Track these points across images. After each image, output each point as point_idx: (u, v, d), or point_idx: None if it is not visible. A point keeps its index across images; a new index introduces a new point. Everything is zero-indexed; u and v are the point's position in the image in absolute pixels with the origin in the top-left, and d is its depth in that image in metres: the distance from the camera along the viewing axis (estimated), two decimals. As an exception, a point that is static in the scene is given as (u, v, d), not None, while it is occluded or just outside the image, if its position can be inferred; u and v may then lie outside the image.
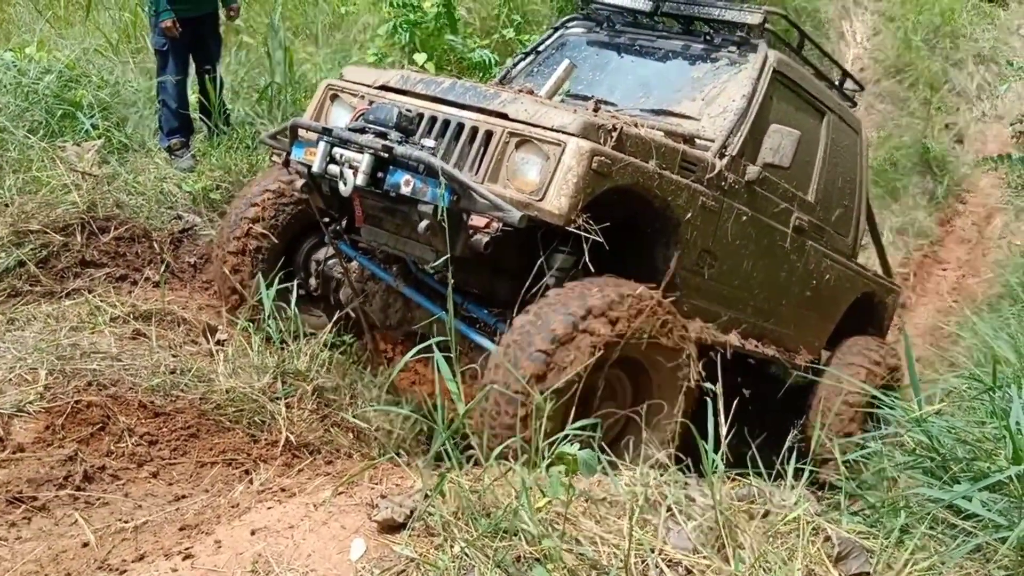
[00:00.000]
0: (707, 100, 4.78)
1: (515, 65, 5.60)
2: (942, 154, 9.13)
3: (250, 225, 4.74)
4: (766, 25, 4.90)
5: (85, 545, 2.81)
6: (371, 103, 4.14)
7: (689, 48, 5.10)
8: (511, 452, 2.95)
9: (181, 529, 2.87)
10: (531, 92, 4.42)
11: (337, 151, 3.89)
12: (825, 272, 5.43)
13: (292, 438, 3.74)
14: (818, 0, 11.31)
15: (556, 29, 5.61)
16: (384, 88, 4.29)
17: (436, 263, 3.88)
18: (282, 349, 4.31)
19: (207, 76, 6.22)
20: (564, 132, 3.65)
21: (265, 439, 3.74)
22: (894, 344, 6.21)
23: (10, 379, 3.70)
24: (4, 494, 3.00)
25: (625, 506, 2.85)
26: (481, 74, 7.12)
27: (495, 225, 3.57)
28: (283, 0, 8.89)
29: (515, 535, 2.63)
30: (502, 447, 2.96)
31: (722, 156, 4.41)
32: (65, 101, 6.08)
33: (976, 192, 8.47)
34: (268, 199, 4.80)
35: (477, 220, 3.60)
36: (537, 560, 2.57)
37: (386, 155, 3.73)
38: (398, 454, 3.86)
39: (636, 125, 4.03)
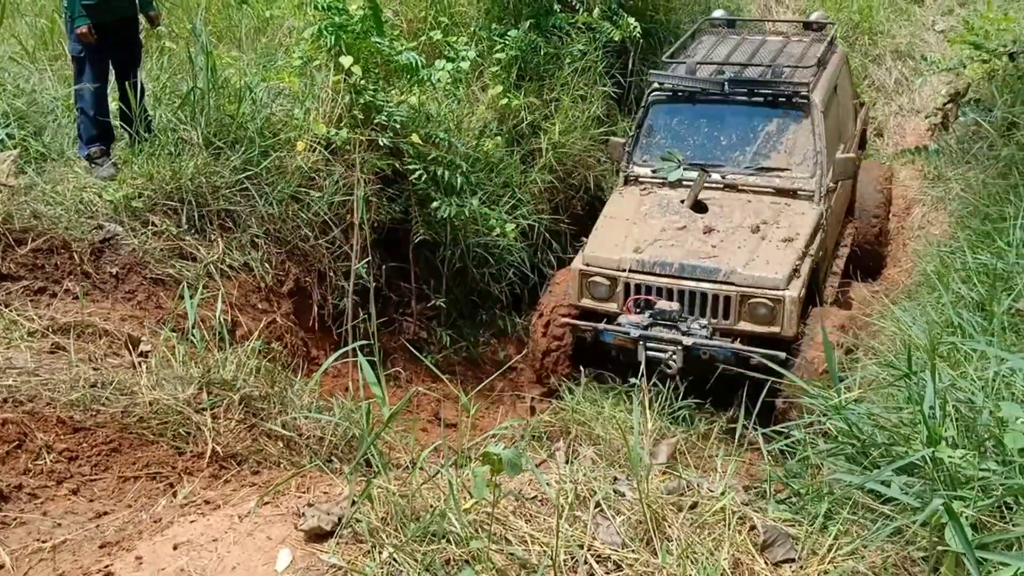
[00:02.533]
0: (788, 151, 6.61)
1: (628, 147, 7.10)
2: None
3: (559, 330, 6.60)
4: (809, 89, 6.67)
5: (0, 567, 2.73)
6: (627, 288, 6.12)
7: (758, 110, 6.75)
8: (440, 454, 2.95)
9: (101, 547, 2.80)
10: (711, 230, 6.24)
11: (651, 345, 5.93)
12: (852, 166, 7.25)
13: (218, 449, 3.67)
14: (740, 0, 11.51)
15: (647, 107, 7.14)
16: (632, 271, 6.13)
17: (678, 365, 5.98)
18: (207, 358, 4.22)
19: (127, 82, 6.08)
20: (778, 289, 5.79)
21: (190, 451, 3.66)
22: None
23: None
24: (-87, 518, 2.89)
25: (554, 504, 2.86)
26: (408, 76, 7.07)
27: (763, 360, 5.08)
28: (206, 5, 8.74)
29: (444, 538, 2.63)
30: (429, 450, 2.95)
31: (821, 201, 6.44)
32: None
33: (896, 184, 8.70)
34: (572, 315, 6.50)
35: (755, 361, 5.55)
36: (466, 562, 2.57)
37: (691, 348, 5.83)
38: (329, 461, 3.83)
39: (791, 239, 6.14)
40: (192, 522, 2.82)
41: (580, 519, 2.81)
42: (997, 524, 2.50)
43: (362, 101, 6.63)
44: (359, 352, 2.93)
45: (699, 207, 6.48)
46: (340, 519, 2.72)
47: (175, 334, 4.49)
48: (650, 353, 5.88)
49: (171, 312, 5.07)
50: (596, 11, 8.64)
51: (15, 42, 7.64)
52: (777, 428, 3.68)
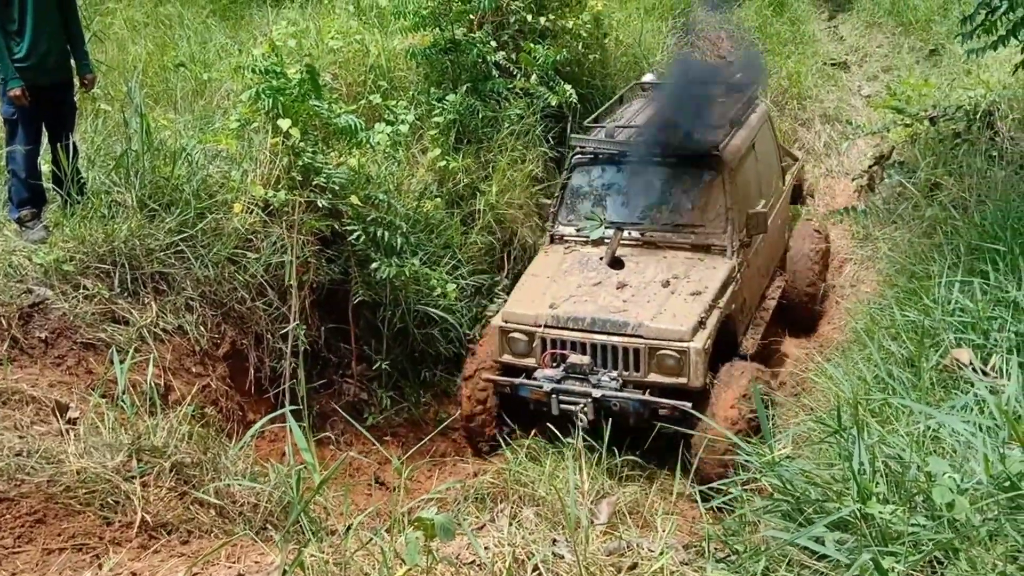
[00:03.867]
0: (702, 208, 6.88)
1: (555, 208, 7.34)
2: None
3: (484, 393, 6.66)
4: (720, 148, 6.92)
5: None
6: (543, 343, 6.28)
7: (673, 170, 6.95)
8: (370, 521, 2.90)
9: (20, 624, 2.68)
10: (624, 285, 6.46)
11: (564, 398, 6.08)
12: (778, 217, 7.79)
13: (148, 518, 3.55)
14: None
15: (570, 168, 7.37)
16: (547, 327, 6.28)
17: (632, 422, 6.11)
18: (138, 424, 4.12)
19: (60, 145, 6.01)
20: (683, 341, 5.96)
21: (119, 521, 3.54)
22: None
23: None
24: None
25: (491, 569, 2.83)
26: (348, 138, 7.11)
27: (676, 412, 5.72)
28: (143, 67, 8.72)
29: (378, 606, 2.57)
30: (363, 515, 2.90)
31: (734, 255, 6.68)
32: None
33: (828, 244, 8.93)
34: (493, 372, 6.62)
35: (664, 411, 5.86)
36: (401, 631, 2.52)
37: (600, 400, 5.98)
38: (264, 529, 3.74)
39: (699, 292, 6.35)
40: (117, 596, 2.72)
41: (518, 583, 2.78)
42: (927, 578, 2.53)
43: (301, 163, 6.63)
44: (289, 416, 2.88)
45: (616, 263, 6.72)
46: (272, 589, 2.65)
47: (105, 400, 4.37)
48: (563, 406, 6.05)
49: (101, 377, 4.94)
50: (533, 77, 8.80)
51: (-55, 103, 7.49)
52: (714, 485, 3.70)
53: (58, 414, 4.42)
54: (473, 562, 2.94)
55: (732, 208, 6.74)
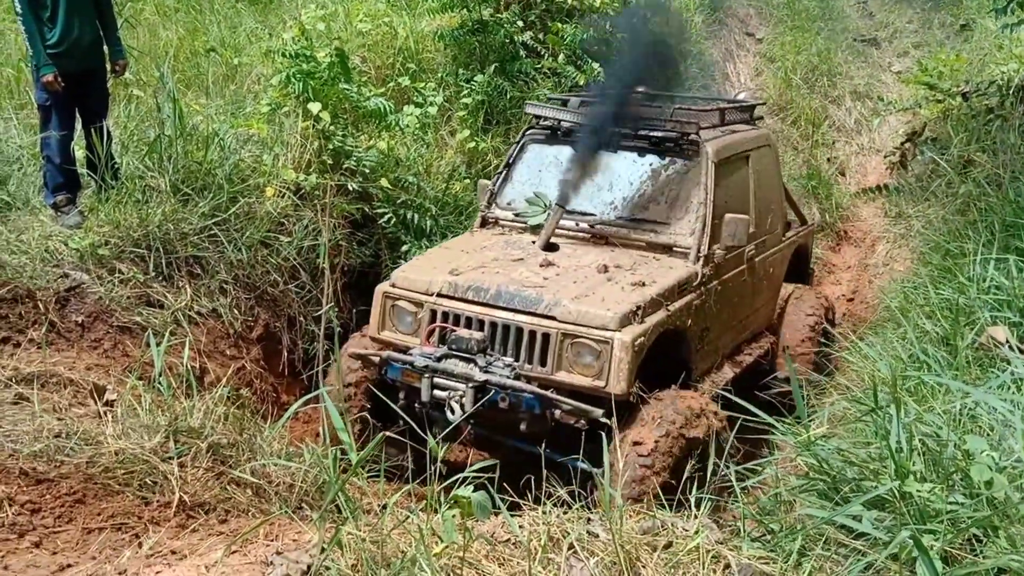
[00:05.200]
0: (670, 203, 5.60)
1: (496, 184, 6.12)
2: (827, 187, 9.50)
3: (352, 388, 5.28)
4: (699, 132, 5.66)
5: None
6: (433, 315, 4.99)
7: (641, 153, 5.78)
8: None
9: (65, 601, 2.74)
10: (550, 264, 5.20)
11: (438, 380, 4.72)
12: (770, 268, 6.43)
13: (185, 498, 3.60)
14: (703, 43, 11.73)
15: (520, 141, 6.21)
16: (439, 295, 5.02)
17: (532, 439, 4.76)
18: (174, 406, 4.17)
19: (94, 130, 6.07)
20: (607, 329, 4.60)
21: (157, 501, 3.59)
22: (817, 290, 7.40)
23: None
24: None
25: (527, 546, 2.84)
26: (377, 121, 7.12)
27: (583, 422, 4.56)
28: (174, 53, 8.77)
29: (415, 583, 2.59)
30: (399, 494, 2.92)
31: (698, 260, 5.34)
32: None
33: (860, 222, 8.84)
34: (361, 365, 5.33)
35: (567, 418, 4.62)
36: (439, 607, 2.54)
37: (480, 385, 4.60)
38: (299, 508, 3.78)
39: (643, 283, 4.98)
40: (158, 573, 2.77)
41: (553, 561, 2.80)
42: (967, 557, 2.51)
43: (331, 146, 6.67)
44: (326, 397, 2.91)
45: (551, 248, 5.52)
46: (309, 567, 2.68)
47: (141, 382, 4.43)
48: (435, 392, 4.72)
49: (137, 360, 5.01)
50: (560, 57, 8.76)
51: (-20, 91, 7.61)
52: (750, 464, 3.69)
53: (96, 396, 4.48)
54: (508, 540, 2.96)
55: (708, 208, 5.43)
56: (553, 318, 4.70)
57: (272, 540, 3.01)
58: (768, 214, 6.41)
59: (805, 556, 2.85)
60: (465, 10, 8.62)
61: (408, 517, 2.82)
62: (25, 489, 3.45)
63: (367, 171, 6.78)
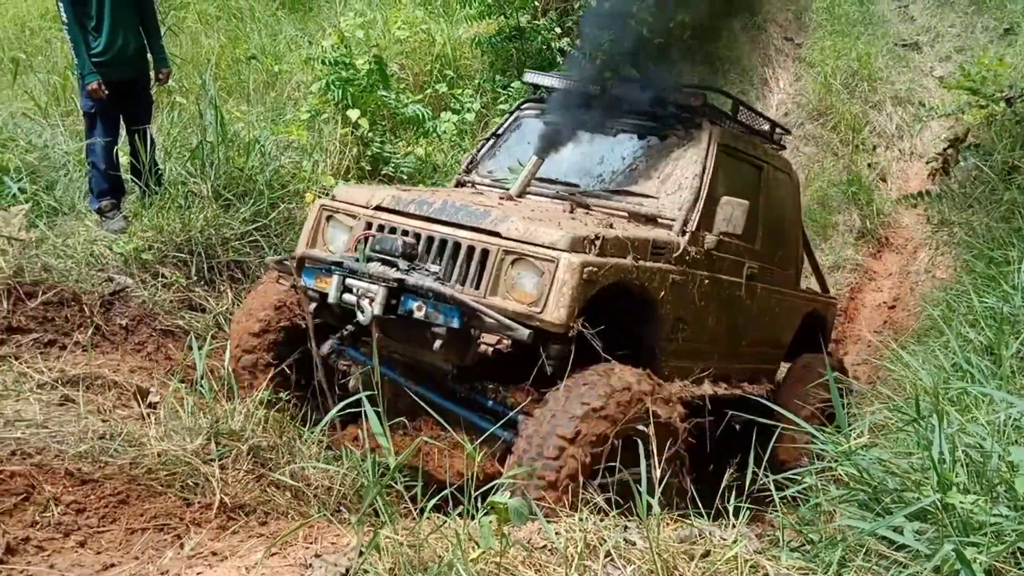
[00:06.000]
0: (662, 178, 5.15)
1: (479, 150, 5.85)
2: (868, 193, 9.40)
3: (256, 339, 4.96)
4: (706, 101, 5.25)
5: (7, 622, 2.71)
6: (368, 225, 4.47)
7: (638, 127, 5.40)
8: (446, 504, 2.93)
9: (109, 600, 2.78)
10: (510, 198, 4.78)
11: (351, 282, 4.22)
12: (775, 306, 5.93)
13: (226, 500, 3.65)
14: (740, 48, 11.66)
15: (513, 112, 5.91)
16: (379, 208, 4.56)
17: (450, 371, 4.37)
18: (216, 409, 4.23)
19: (138, 137, 6.18)
20: (555, 248, 4.05)
21: (198, 502, 3.64)
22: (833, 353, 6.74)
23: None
24: (-79, 571, 2.88)
25: (563, 553, 2.84)
26: (415, 127, 7.18)
27: (505, 342, 4.07)
28: (216, 61, 8.91)
29: (453, 588, 2.61)
30: (436, 499, 2.94)
31: (684, 234, 4.86)
32: (-8, 163, 5.99)
33: (901, 228, 8.74)
34: (271, 312, 5.01)
35: (489, 338, 4.12)
36: (476, 613, 2.55)
37: (398, 286, 4.10)
38: (338, 511, 3.81)
39: (611, 226, 4.48)
40: (199, 574, 2.81)
41: (590, 568, 2.79)
42: (1012, 570, 2.47)
43: (369, 153, 6.75)
44: (366, 401, 2.93)
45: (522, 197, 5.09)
46: (348, 570, 2.70)
47: (184, 385, 4.50)
48: (345, 296, 4.24)
49: (180, 363, 5.09)
50: (598, 63, 8.76)
51: (28, 98, 7.77)
52: (789, 474, 3.66)
53: (139, 398, 4.55)
54: (545, 547, 2.96)
55: (702, 185, 5.01)
56: (497, 234, 4.18)
57: (311, 543, 3.04)
58: (779, 247, 5.99)
59: (845, 567, 2.82)
60: (502, 17, 8.67)
61: (445, 522, 2.83)
62: (70, 489, 3.51)
63: (405, 177, 6.84)
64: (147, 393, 4.62)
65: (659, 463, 3.66)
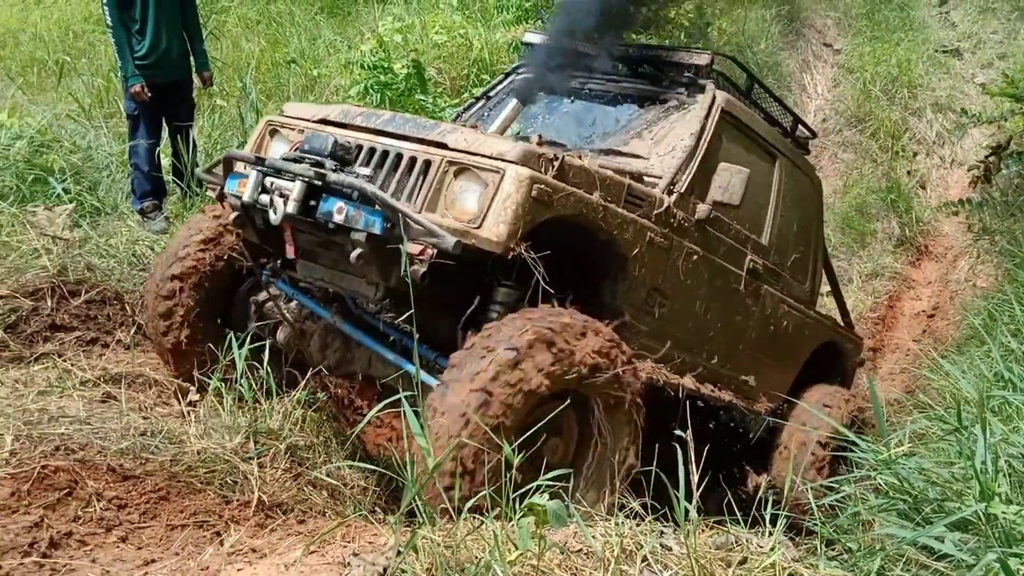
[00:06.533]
0: (656, 140, 4.73)
1: (466, 109, 5.56)
2: (907, 201, 9.30)
3: (177, 282, 4.45)
4: (714, 67, 4.91)
5: (51, 614, 2.76)
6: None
7: (638, 91, 5.04)
8: (484, 505, 2.93)
9: (150, 594, 2.82)
10: (475, 127, 4.17)
11: (269, 180, 3.80)
12: (783, 318, 5.38)
13: (264, 498, 3.69)
14: (779, 54, 11.59)
15: (507, 74, 5.55)
16: (324, 122, 4.17)
17: (375, 296, 3.85)
18: (255, 408, 4.27)
19: (180, 139, 6.27)
20: (504, 160, 3.57)
21: (237, 500, 3.68)
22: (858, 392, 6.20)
23: (-22, 447, 3.65)
24: (-32, 563, 2.94)
25: (600, 557, 2.84)
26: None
27: (429, 252, 3.44)
28: (256, 64, 9.01)
29: (489, 589, 2.61)
30: (474, 500, 2.94)
31: (670, 192, 4.37)
32: (36, 166, 6.09)
33: (941, 237, 8.64)
34: (195, 249, 4.51)
35: (412, 247, 3.45)
36: (512, 614, 2.55)
37: (319, 182, 3.64)
38: (373, 511, 3.83)
39: (580, 157, 4.01)
40: (239, 571, 2.84)
41: (627, 573, 2.79)
42: (1056, 582, 2.43)
43: (406, 156, 6.77)
44: (405, 402, 2.95)
45: None
46: (385, 569, 2.72)
47: (223, 384, 4.55)
48: (262, 195, 3.83)
49: (220, 362, 5.14)
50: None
51: (72, 100, 7.90)
52: (826, 482, 3.63)
53: (179, 397, 4.62)
54: (581, 550, 2.96)
55: (697, 147, 4.56)
56: (444, 145, 3.73)
57: (349, 542, 3.06)
58: (792, 252, 5.49)
59: (884, 576, 2.80)
60: (539, 21, 8.68)
61: (483, 523, 2.84)
62: (112, 485, 3.57)
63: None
64: (187, 392, 4.67)
65: (609, 436, 3.40)
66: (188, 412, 4.33)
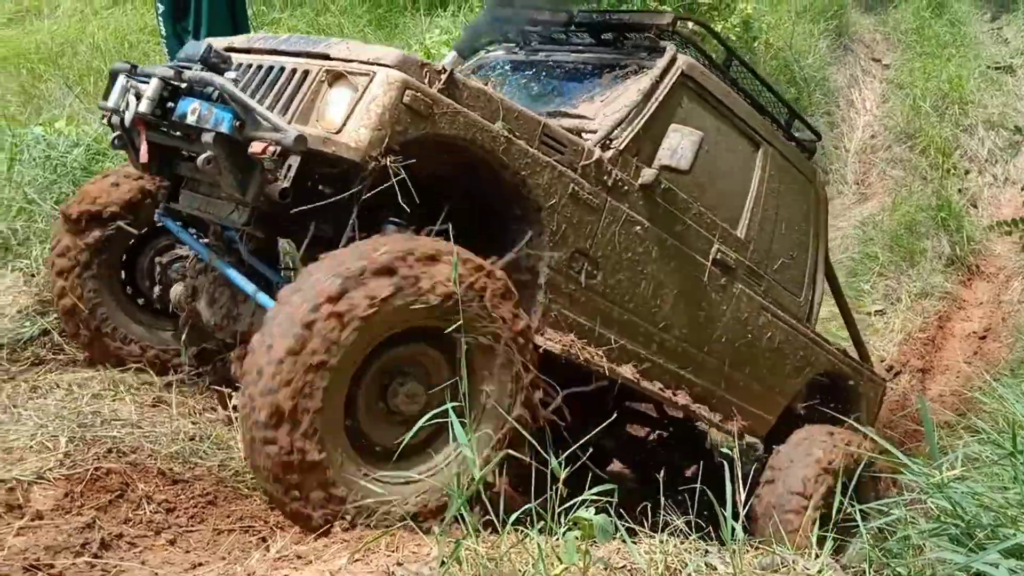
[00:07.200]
0: (607, 102, 4.38)
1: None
2: (957, 219, 9.15)
3: (69, 240, 4.29)
4: (677, 31, 4.63)
5: (102, 615, 2.80)
6: None
7: (601, 59, 4.73)
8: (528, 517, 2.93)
9: (198, 598, 2.86)
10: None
11: (133, 83, 3.58)
12: (765, 328, 4.89)
13: (309, 505, 3.71)
14: (827, 69, 11.49)
15: (475, 50, 5.20)
16: (230, 49, 3.86)
17: (240, 221, 3.56)
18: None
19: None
20: (379, 64, 3.30)
21: (283, 506, 3.72)
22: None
23: (31, 446, 3.73)
24: (22, 561, 3.00)
25: (645, 574, 2.83)
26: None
27: (271, 149, 3.14)
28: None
29: (533, 603, 2.61)
30: (519, 512, 2.94)
31: (605, 148, 4.02)
32: (92, 173, 6.20)
33: (993, 256, 8.48)
34: (91, 208, 4.35)
35: (255, 147, 3.17)
36: (555, 629, 2.54)
37: (173, 81, 3.44)
38: (415, 519, 3.84)
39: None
40: (285, 576, 2.86)
41: (671, 591, 2.77)
42: (1115, 614, 2.38)
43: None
44: (452, 413, 2.96)
45: None
46: (430, 580, 2.73)
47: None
48: (128, 96, 3.59)
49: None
50: None
51: (127, 109, 8.05)
52: (875, 505, 3.57)
53: (224, 402, 4.67)
54: (625, 567, 2.94)
55: (643, 106, 4.18)
56: (327, 56, 3.49)
57: (393, 551, 3.07)
58: (780, 255, 5.01)
59: (935, 602, 2.75)
60: None
61: (527, 535, 2.84)
62: (162, 488, 3.62)
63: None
64: (231, 397, 4.74)
65: (488, 385, 3.03)
66: (234, 418, 4.38)
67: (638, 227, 4.11)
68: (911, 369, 7.57)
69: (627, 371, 4.13)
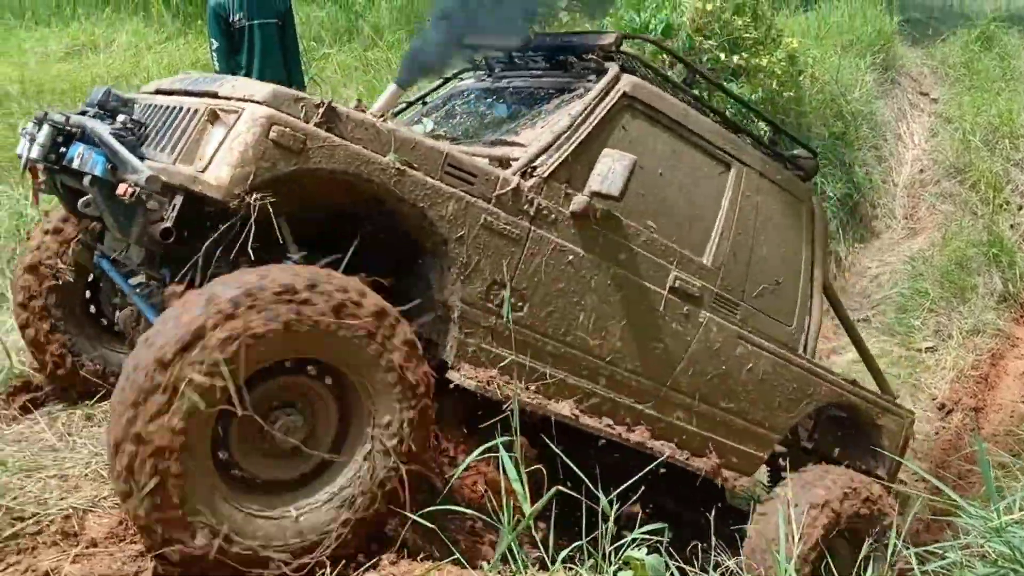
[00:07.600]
0: (546, 127, 4.16)
1: (395, 115, 5.05)
2: (1009, 255, 8.99)
3: (30, 276, 4.33)
4: (621, 49, 4.41)
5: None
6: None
7: (552, 83, 4.59)
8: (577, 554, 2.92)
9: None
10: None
11: (34, 129, 3.65)
12: (744, 360, 4.61)
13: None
14: (875, 103, 11.40)
15: (447, 80, 5.20)
16: (158, 91, 3.92)
17: (136, 261, 3.62)
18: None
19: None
20: (250, 100, 3.27)
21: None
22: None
23: (86, 474, 3.79)
24: (78, 589, 3.05)
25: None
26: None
27: (129, 190, 3.17)
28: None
29: (584, 642, 2.60)
30: (569, 550, 2.94)
31: (526, 176, 3.86)
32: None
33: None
34: (46, 242, 4.40)
35: (120, 188, 3.20)
36: (606, 668, 2.53)
37: (61, 126, 3.53)
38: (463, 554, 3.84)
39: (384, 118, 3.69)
40: (335, 608, 2.87)
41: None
42: None
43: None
44: (502, 448, 2.97)
45: None
46: (480, 616, 2.73)
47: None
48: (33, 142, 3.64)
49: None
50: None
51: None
52: (931, 548, 3.50)
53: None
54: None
55: (572, 129, 4.00)
56: (215, 95, 3.45)
57: (442, 585, 3.08)
58: (759, 281, 4.72)
59: (995, 649, 2.68)
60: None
61: (576, 573, 2.83)
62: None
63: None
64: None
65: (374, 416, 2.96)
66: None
67: (571, 256, 3.96)
68: (963, 407, 7.42)
69: (565, 407, 3.98)
